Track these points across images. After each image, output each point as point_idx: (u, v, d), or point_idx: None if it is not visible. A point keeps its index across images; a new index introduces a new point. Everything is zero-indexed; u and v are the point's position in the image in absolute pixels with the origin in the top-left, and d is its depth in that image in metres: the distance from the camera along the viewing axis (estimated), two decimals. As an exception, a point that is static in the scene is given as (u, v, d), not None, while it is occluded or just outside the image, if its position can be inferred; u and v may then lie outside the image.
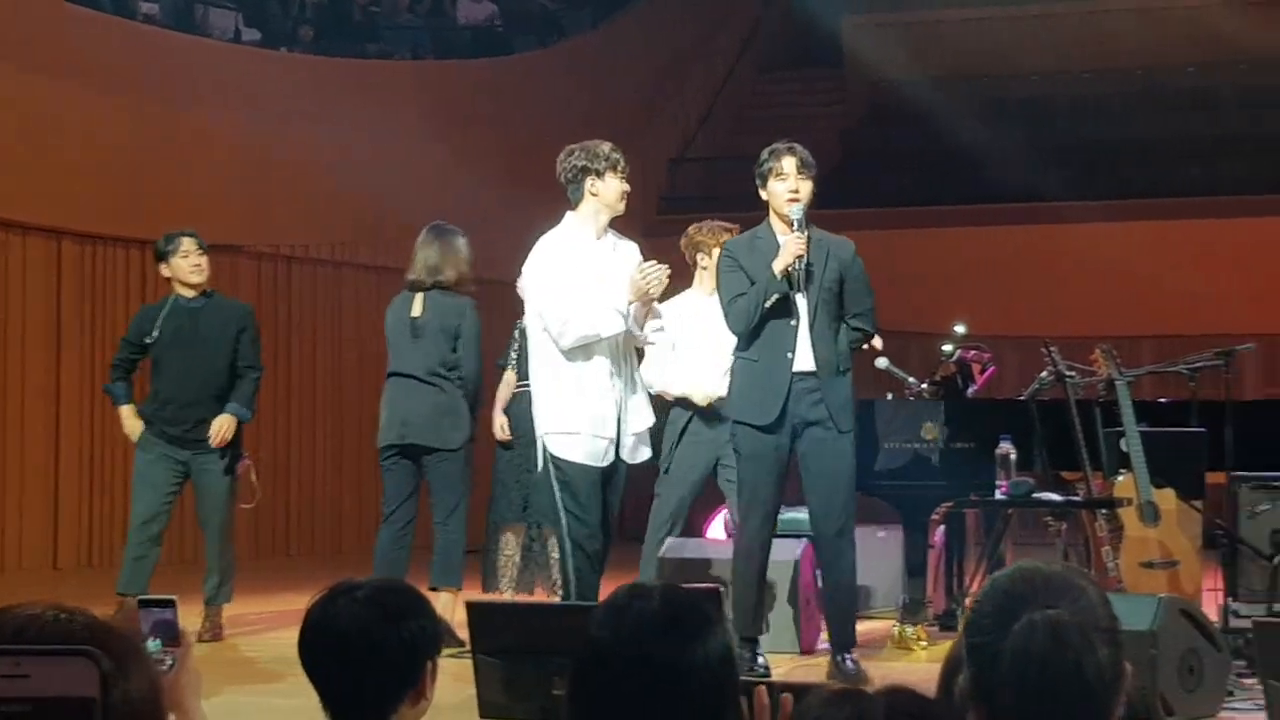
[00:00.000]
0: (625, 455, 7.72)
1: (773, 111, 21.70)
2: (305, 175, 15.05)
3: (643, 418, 7.81)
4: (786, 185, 7.78)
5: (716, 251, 8.58)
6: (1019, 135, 19.71)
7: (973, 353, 10.53)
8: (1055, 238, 17.54)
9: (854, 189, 18.36)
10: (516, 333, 9.48)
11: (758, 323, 7.78)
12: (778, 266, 7.69)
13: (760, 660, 7.79)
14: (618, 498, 7.80)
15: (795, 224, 7.75)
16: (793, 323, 7.76)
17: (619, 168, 7.73)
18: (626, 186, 7.78)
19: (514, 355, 9.62)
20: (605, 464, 7.65)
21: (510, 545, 9.59)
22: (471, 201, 14.40)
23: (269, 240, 15.33)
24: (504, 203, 14.55)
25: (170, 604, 3.02)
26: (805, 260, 7.71)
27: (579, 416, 7.61)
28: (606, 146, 7.75)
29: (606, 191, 7.70)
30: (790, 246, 7.71)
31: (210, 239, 9.67)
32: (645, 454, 7.88)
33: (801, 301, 7.77)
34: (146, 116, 14.17)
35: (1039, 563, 2.39)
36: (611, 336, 7.62)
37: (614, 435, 7.65)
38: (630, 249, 7.86)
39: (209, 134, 14.54)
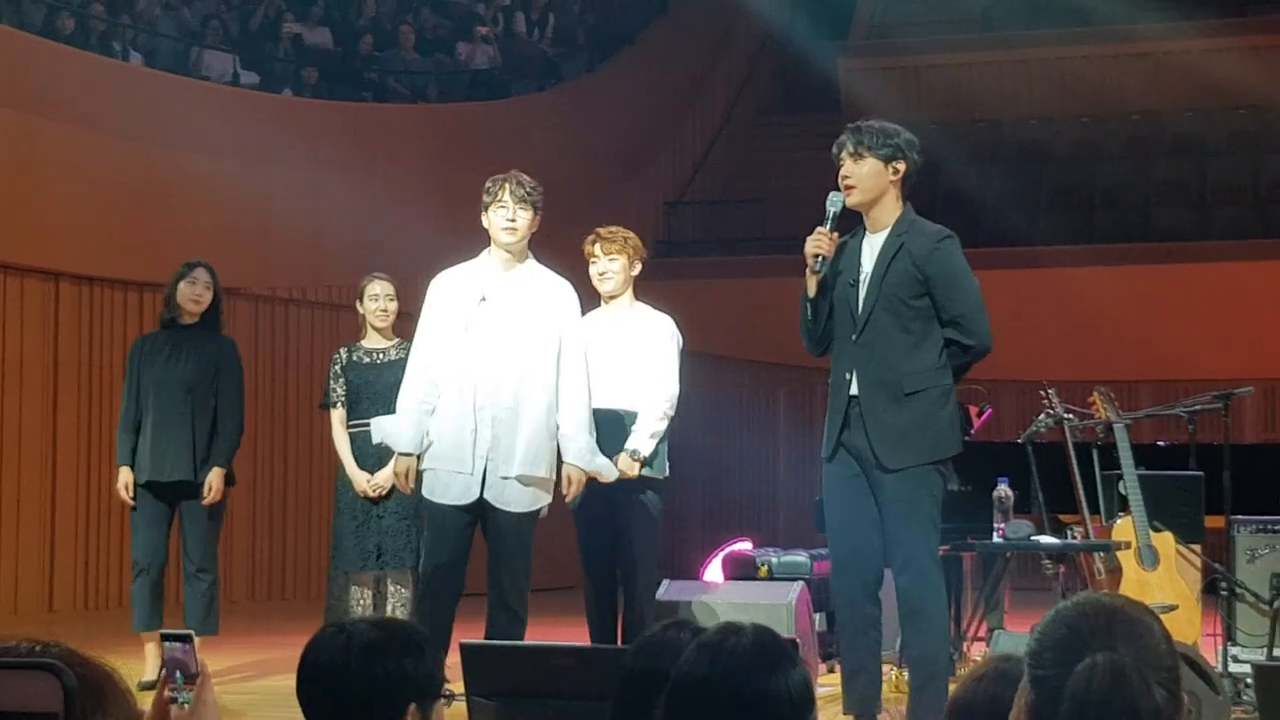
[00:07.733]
0: (491, 496, 7.16)
1: (769, 155, 21.73)
2: (301, 219, 15.03)
3: (523, 461, 7.17)
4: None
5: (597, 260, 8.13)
6: (1014, 179, 19.75)
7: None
8: (1049, 282, 17.53)
9: (848, 231, 18.28)
10: (337, 367, 9.06)
11: (827, 341, 6.66)
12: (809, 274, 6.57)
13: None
14: (499, 545, 7.19)
15: (828, 219, 6.58)
16: (853, 337, 6.51)
17: (497, 200, 7.43)
18: (510, 217, 7.42)
19: (340, 391, 9.01)
20: (462, 502, 7.14)
21: (359, 596, 8.59)
22: (465, 245, 14.37)
23: (266, 284, 15.30)
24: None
25: (188, 638, 3.01)
26: (824, 260, 6.51)
27: (434, 449, 7.23)
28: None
29: (490, 225, 7.52)
30: (807, 244, 6.58)
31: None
32: (522, 500, 7.18)
33: (861, 310, 6.53)
34: (146, 160, 14.14)
35: (1103, 596, 2.50)
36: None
37: (469, 470, 7.12)
38: (553, 289, 7.46)
39: (208, 178, 14.50)
